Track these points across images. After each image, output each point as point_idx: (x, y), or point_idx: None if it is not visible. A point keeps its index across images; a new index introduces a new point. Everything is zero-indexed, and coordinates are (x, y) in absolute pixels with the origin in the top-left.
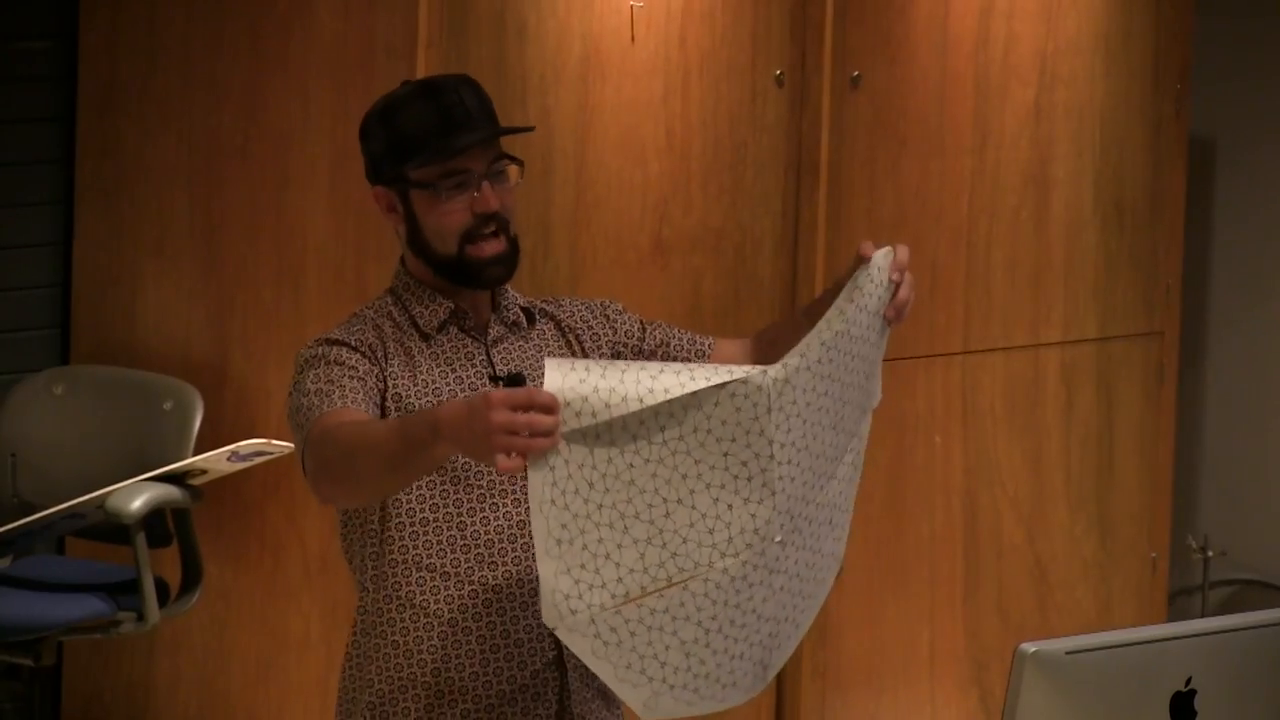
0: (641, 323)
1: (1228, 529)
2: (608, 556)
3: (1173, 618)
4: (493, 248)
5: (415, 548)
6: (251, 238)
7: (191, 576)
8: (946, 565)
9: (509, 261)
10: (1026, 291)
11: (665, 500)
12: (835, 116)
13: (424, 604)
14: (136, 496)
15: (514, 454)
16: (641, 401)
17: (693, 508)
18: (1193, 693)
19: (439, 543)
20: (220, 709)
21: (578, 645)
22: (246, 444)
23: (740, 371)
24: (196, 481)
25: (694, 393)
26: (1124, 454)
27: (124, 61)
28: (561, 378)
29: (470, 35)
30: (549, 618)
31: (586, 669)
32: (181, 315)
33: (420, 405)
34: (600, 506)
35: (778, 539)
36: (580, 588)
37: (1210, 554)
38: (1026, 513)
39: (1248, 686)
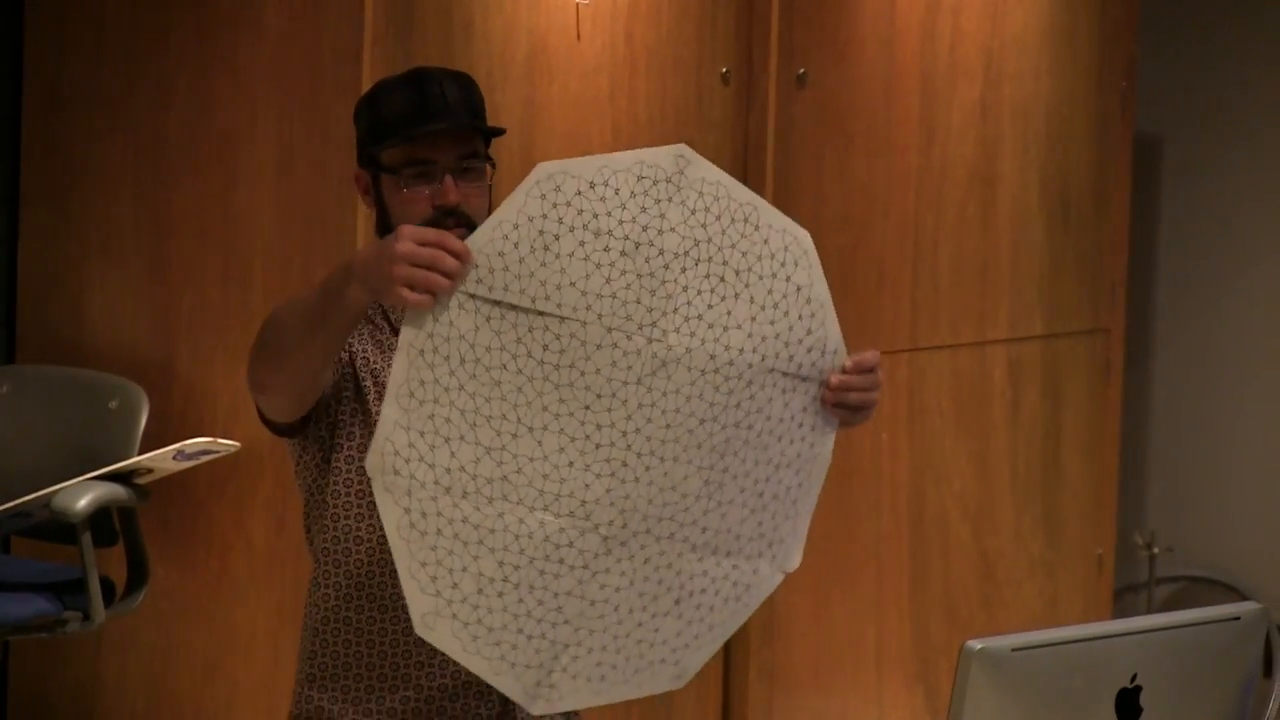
0: None
1: (1173, 526)
2: (447, 440)
3: (1119, 614)
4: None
5: (375, 531)
6: (198, 238)
7: (138, 576)
8: (893, 562)
9: None
10: (973, 289)
11: (519, 421)
12: (781, 114)
13: (377, 589)
14: (82, 495)
15: (416, 291)
16: (534, 302)
17: (539, 443)
18: (1138, 689)
19: None
20: (167, 708)
21: (388, 510)
22: (192, 443)
23: (634, 327)
24: (143, 480)
25: (584, 324)
26: (1070, 451)
27: (70, 61)
28: (487, 238)
29: (416, 33)
30: (372, 465)
31: None
32: (128, 315)
33: None
34: (461, 388)
35: (601, 532)
36: (412, 452)
37: (1156, 550)
38: (973, 510)
39: (1193, 683)
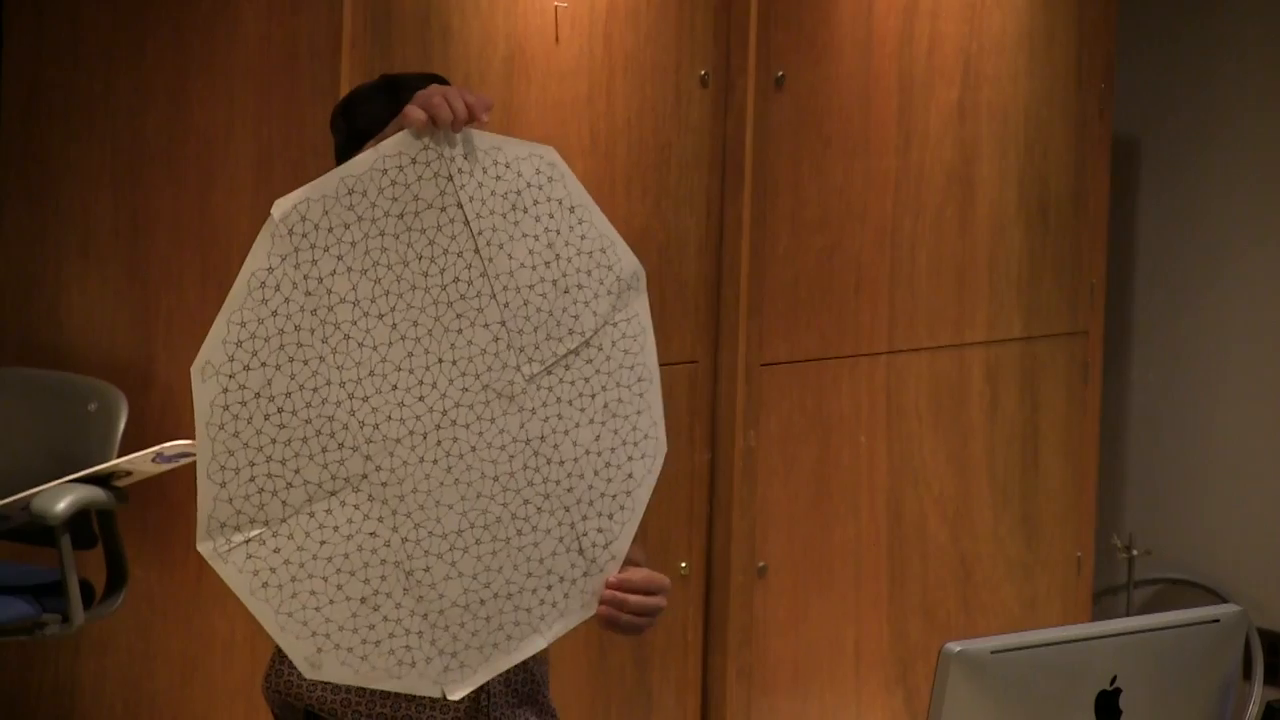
0: None
1: (1152, 528)
2: (339, 258)
3: (1097, 617)
4: None
5: None
6: (176, 240)
7: (117, 578)
8: (872, 565)
9: None
10: (951, 291)
11: (393, 311)
12: (759, 117)
13: None
14: (61, 498)
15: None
16: (477, 236)
17: (389, 344)
18: (1118, 691)
19: None
20: (146, 710)
21: (258, 253)
22: (171, 445)
23: (518, 343)
24: (121, 483)
25: (493, 296)
26: (1048, 453)
27: (48, 64)
28: (484, 147)
29: (395, 36)
30: (282, 208)
31: (512, 673)
32: (106, 317)
33: None
34: (382, 234)
35: (366, 468)
36: (314, 234)
37: (1135, 553)
38: (951, 512)
39: (1172, 685)
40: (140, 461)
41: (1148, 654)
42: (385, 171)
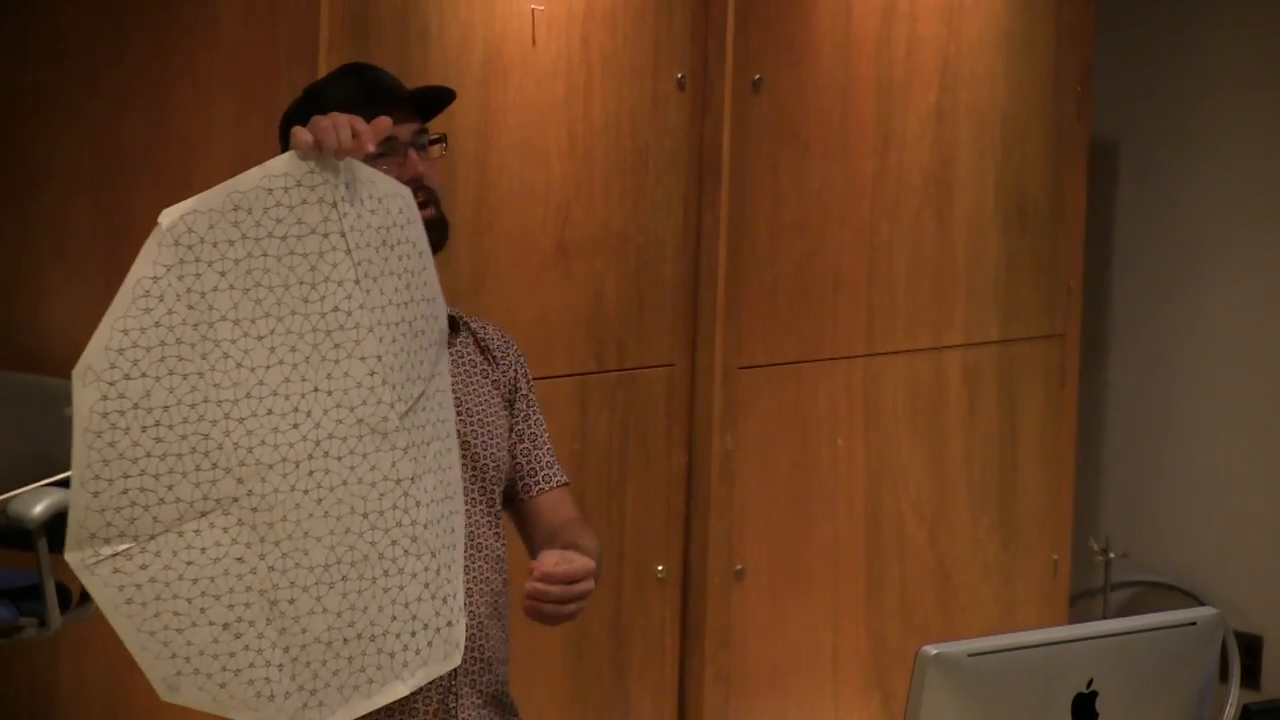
0: (529, 398)
1: (1129, 531)
2: (222, 274)
3: (1074, 620)
4: (423, 215)
5: None
6: None
7: None
8: (849, 568)
9: (439, 228)
10: (929, 294)
11: (272, 334)
12: (737, 119)
13: None
14: (39, 501)
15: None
16: (358, 267)
17: (267, 368)
18: (1094, 694)
19: None
20: (124, 713)
21: (144, 260)
22: None
23: (395, 379)
24: None
25: (372, 329)
26: (1026, 456)
27: (28, 68)
28: (381, 180)
29: (372, 39)
30: (170, 216)
31: (478, 676)
32: (85, 321)
33: None
34: (265, 254)
35: (237, 491)
36: (200, 246)
37: (1111, 556)
38: (929, 515)
39: (1149, 688)
40: None
41: (1124, 657)
42: (270, 191)
